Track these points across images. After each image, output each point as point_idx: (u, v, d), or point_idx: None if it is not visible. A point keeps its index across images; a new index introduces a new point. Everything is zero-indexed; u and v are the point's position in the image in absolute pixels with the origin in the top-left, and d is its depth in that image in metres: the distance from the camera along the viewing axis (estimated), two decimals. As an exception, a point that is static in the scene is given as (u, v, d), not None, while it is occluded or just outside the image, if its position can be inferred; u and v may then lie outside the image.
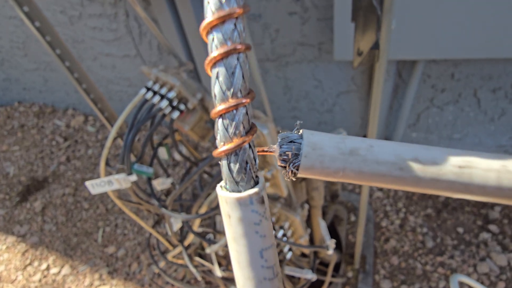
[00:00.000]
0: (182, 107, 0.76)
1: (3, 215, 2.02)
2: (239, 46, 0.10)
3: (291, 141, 0.12)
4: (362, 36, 0.54)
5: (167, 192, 1.07)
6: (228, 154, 0.11)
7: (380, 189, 1.61)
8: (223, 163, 0.11)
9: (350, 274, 1.33)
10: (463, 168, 0.11)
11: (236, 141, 0.11)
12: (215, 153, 0.12)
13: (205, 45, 1.67)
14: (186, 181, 0.70)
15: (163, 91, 0.76)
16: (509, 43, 1.08)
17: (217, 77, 0.11)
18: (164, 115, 0.78)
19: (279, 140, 0.12)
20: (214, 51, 0.11)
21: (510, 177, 0.10)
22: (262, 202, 0.11)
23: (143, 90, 0.81)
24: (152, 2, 1.54)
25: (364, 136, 1.82)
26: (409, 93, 1.42)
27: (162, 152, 0.94)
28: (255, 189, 0.11)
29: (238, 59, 0.11)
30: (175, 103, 0.76)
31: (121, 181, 0.73)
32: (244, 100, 0.11)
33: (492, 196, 0.11)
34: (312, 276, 1.08)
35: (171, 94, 0.74)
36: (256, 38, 1.58)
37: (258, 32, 1.55)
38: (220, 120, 0.11)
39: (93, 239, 1.75)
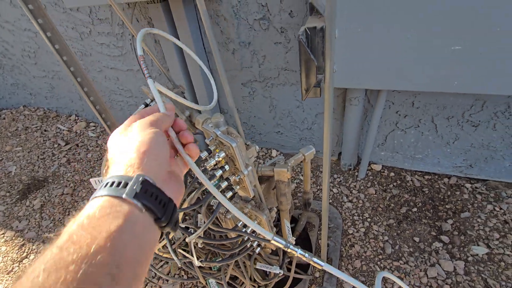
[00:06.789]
0: (173, 121, 0.95)
1: (3, 211, 2.16)
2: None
3: None
4: (306, 78, 0.74)
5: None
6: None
7: (350, 201, 1.79)
8: None
9: (317, 274, 1.49)
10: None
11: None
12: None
13: (201, 70, 1.88)
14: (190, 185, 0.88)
15: (159, 108, 0.95)
16: (455, 80, 1.29)
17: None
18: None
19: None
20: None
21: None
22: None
23: (142, 106, 1.00)
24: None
25: (340, 154, 2.02)
26: (375, 116, 1.63)
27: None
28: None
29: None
30: (168, 118, 0.95)
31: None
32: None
33: None
34: (279, 272, 1.25)
35: (165, 111, 0.93)
36: (245, 62, 1.79)
37: (248, 57, 1.76)
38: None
39: (87, 236, 1.89)
